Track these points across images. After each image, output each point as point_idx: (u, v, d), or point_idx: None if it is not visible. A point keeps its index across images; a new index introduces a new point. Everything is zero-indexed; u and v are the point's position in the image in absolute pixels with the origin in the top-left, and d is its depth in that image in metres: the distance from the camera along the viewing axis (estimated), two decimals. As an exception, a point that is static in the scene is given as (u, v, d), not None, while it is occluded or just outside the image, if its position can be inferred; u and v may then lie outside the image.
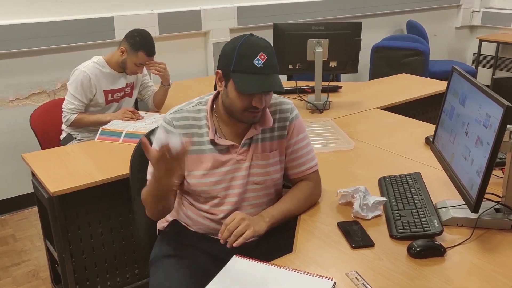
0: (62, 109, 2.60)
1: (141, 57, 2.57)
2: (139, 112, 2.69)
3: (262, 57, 1.42)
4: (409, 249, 1.36)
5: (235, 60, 1.43)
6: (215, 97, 1.59)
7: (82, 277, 2.11)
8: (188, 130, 1.55)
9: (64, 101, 2.60)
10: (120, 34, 3.46)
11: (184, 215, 1.66)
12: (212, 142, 1.55)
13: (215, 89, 2.16)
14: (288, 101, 1.65)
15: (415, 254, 1.34)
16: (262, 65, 1.42)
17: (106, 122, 2.53)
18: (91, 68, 2.58)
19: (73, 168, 2.09)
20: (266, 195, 1.63)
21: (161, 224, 1.73)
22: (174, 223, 1.69)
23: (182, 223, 1.67)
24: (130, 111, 2.58)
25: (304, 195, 1.63)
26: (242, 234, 1.43)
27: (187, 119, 1.56)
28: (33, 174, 2.13)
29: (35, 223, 3.14)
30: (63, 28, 3.25)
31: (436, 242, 1.36)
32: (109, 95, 2.67)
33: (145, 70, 2.80)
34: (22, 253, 2.85)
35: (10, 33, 3.06)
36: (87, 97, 2.59)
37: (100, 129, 2.44)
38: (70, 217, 2.01)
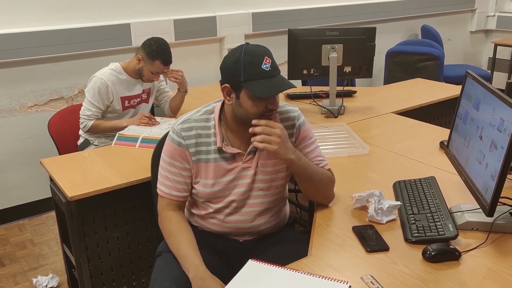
0: (80, 115, 2.64)
1: (158, 66, 2.60)
2: (155, 117, 2.73)
3: (268, 61, 1.46)
4: (424, 253, 1.36)
5: (243, 70, 1.46)
6: (222, 106, 1.61)
7: (99, 282, 2.13)
8: (197, 140, 1.58)
9: (82, 108, 2.65)
10: (136, 40, 3.52)
11: (196, 217, 1.71)
12: (219, 150, 1.58)
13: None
14: (294, 108, 1.67)
15: (430, 258, 1.34)
16: (270, 68, 1.46)
17: (123, 128, 2.57)
18: (108, 75, 2.62)
19: (90, 173, 2.12)
20: (270, 202, 1.65)
21: None
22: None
23: (191, 221, 1.72)
24: (146, 117, 2.62)
25: (327, 177, 1.65)
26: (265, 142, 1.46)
27: (195, 128, 1.59)
28: (51, 179, 2.17)
29: (53, 227, 3.19)
30: (81, 35, 3.31)
31: (451, 246, 1.36)
32: (126, 102, 2.71)
33: (161, 76, 2.84)
34: (40, 257, 2.89)
35: (29, 41, 3.13)
36: (104, 104, 2.63)
37: (117, 135, 2.48)
38: (87, 222, 2.04)
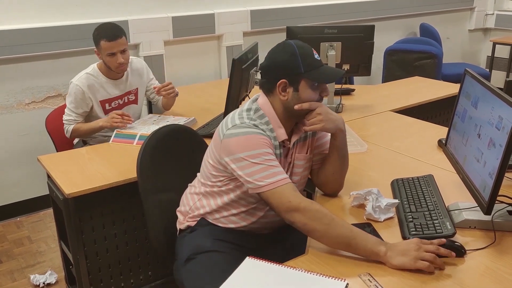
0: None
1: (105, 46, 2.42)
2: (154, 114, 2.72)
3: (316, 53, 1.56)
4: None
5: (302, 62, 1.52)
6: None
7: (96, 279, 2.13)
8: (271, 134, 1.56)
9: (64, 113, 2.58)
10: (134, 37, 3.51)
11: (221, 213, 1.64)
12: (281, 144, 1.59)
13: (228, 93, 2.18)
14: None
15: None
16: (320, 58, 1.58)
17: (99, 129, 2.53)
18: (83, 80, 2.51)
19: (87, 170, 2.11)
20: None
21: (184, 223, 1.72)
22: (202, 221, 1.67)
23: (210, 221, 1.66)
24: (119, 115, 2.48)
25: (348, 157, 1.72)
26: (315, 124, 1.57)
27: (262, 125, 1.56)
28: (49, 176, 2.17)
29: (50, 225, 3.19)
30: (78, 31, 3.30)
31: (456, 243, 1.35)
32: (107, 105, 2.61)
33: (151, 74, 2.79)
34: (38, 254, 2.88)
35: (26, 37, 3.12)
36: (83, 109, 2.55)
37: (114, 132, 2.47)
38: (85, 219, 2.03)
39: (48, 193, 2.23)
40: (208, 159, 1.63)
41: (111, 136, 2.45)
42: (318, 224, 1.39)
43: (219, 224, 1.65)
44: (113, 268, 2.16)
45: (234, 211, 1.63)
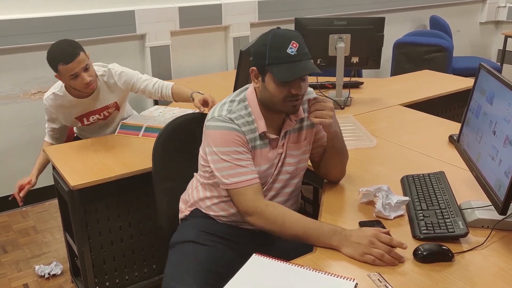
0: None
1: (65, 69, 2.13)
2: (160, 106, 2.67)
3: (294, 45, 1.45)
4: (415, 253, 1.32)
5: (268, 54, 1.46)
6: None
7: (101, 271, 2.12)
8: (248, 127, 1.56)
9: None
10: (141, 28, 3.48)
11: (211, 205, 1.66)
12: (261, 136, 1.58)
13: (235, 85, 2.16)
14: (311, 89, 1.68)
15: (421, 258, 1.30)
16: (296, 53, 1.45)
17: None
18: (51, 101, 2.31)
19: (93, 162, 2.09)
20: (291, 184, 1.68)
21: (183, 213, 1.76)
22: (195, 212, 1.71)
23: (204, 212, 1.68)
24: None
25: (346, 149, 1.72)
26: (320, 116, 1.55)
27: (242, 117, 1.56)
28: (54, 167, 2.15)
29: (55, 215, 3.18)
30: (85, 21, 3.27)
31: (444, 247, 1.31)
32: (84, 119, 2.41)
33: (131, 78, 2.41)
34: (43, 245, 2.88)
35: (33, 27, 3.09)
36: (56, 125, 2.42)
37: (120, 123, 2.45)
38: (90, 211, 2.02)
39: (54, 183, 2.21)
40: (200, 149, 1.67)
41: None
42: (272, 226, 1.46)
43: (211, 213, 1.67)
44: (118, 260, 2.15)
45: (225, 199, 1.63)
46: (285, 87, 1.48)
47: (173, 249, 1.63)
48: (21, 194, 2.34)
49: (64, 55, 2.11)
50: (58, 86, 2.30)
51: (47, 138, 2.49)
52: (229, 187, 1.51)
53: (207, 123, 1.56)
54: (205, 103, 2.21)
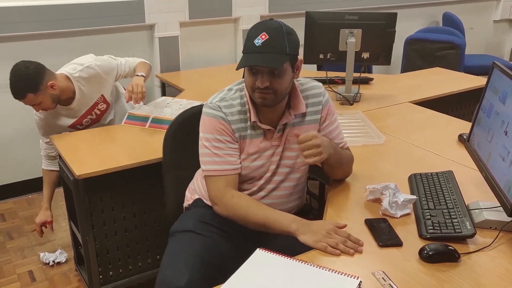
0: None
1: (25, 102, 2.20)
2: (167, 97, 2.67)
3: (263, 36, 1.44)
4: (420, 252, 1.30)
5: (244, 43, 1.50)
6: None
7: (105, 260, 2.12)
8: (239, 116, 1.58)
9: None
10: (150, 18, 3.46)
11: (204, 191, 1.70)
12: (254, 126, 1.58)
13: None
14: (318, 85, 1.67)
15: (427, 258, 1.28)
16: (260, 44, 1.44)
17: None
18: (40, 115, 2.38)
19: (98, 151, 2.09)
20: (292, 179, 1.67)
21: (187, 202, 1.78)
22: (197, 202, 1.72)
23: (205, 201, 1.70)
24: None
25: (348, 157, 1.71)
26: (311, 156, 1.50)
27: (234, 106, 1.59)
28: (60, 156, 2.15)
29: (61, 203, 3.17)
30: (93, 10, 3.25)
31: (450, 247, 1.29)
32: (78, 126, 2.46)
33: (111, 69, 2.42)
34: (48, 232, 2.88)
35: (41, 14, 3.08)
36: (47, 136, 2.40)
37: (127, 114, 2.44)
38: (95, 201, 2.01)
39: (59, 172, 2.21)
40: None
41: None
42: (236, 216, 1.53)
43: (207, 202, 1.68)
44: (122, 250, 2.15)
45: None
46: (253, 77, 1.49)
47: (172, 238, 1.64)
48: (46, 229, 2.60)
49: (13, 92, 2.16)
50: None
51: (44, 166, 2.54)
52: (204, 173, 1.59)
53: (203, 108, 1.62)
54: (129, 92, 2.31)
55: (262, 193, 1.65)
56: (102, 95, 2.44)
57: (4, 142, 3.20)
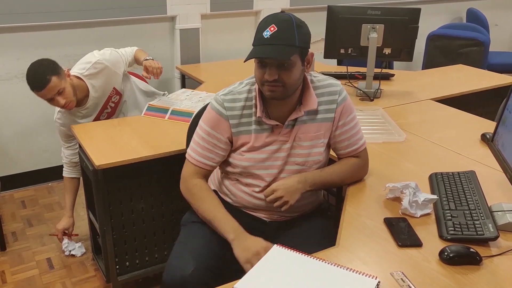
0: None
1: (39, 95, 2.20)
2: (187, 89, 2.66)
3: (272, 28, 1.43)
4: (441, 254, 1.28)
5: (254, 36, 1.48)
6: None
7: (122, 251, 2.14)
8: (241, 111, 1.58)
9: None
10: (172, 10, 3.46)
11: (226, 188, 1.71)
12: (259, 121, 1.57)
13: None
14: (336, 83, 1.64)
15: (447, 259, 1.26)
16: (269, 36, 1.42)
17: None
18: (61, 121, 2.43)
19: (118, 142, 2.10)
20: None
21: None
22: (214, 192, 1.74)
23: (220, 194, 1.72)
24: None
25: (352, 170, 1.67)
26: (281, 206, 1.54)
27: (239, 101, 1.58)
28: (80, 146, 2.16)
29: (80, 192, 3.20)
30: (115, 1, 3.26)
31: (471, 249, 1.27)
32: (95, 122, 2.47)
33: (120, 61, 2.48)
34: (66, 221, 2.92)
35: (62, 5, 3.10)
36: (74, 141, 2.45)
37: (147, 105, 2.45)
38: (113, 191, 2.03)
39: (79, 161, 2.23)
40: None
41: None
42: (190, 202, 1.63)
43: (225, 199, 1.70)
44: (139, 241, 2.16)
45: (238, 185, 1.66)
46: (262, 70, 1.47)
47: (183, 228, 1.69)
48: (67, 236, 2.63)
49: (35, 82, 2.16)
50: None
51: (66, 173, 2.60)
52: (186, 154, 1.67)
53: None
54: (146, 70, 2.39)
55: (263, 184, 1.62)
56: (114, 88, 2.47)
57: (25, 130, 3.25)
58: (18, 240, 2.73)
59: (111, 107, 2.51)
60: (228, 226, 1.51)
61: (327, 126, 1.62)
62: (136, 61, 2.55)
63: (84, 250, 2.62)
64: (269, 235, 1.57)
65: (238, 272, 1.47)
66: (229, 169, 1.66)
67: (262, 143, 1.58)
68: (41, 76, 2.15)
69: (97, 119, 2.50)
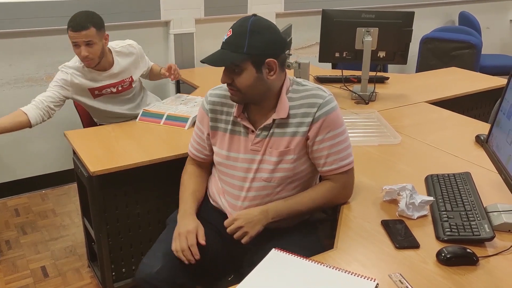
0: None
1: (70, 35, 2.27)
2: (182, 94, 2.66)
3: (229, 33, 1.45)
4: (438, 255, 1.28)
5: None
6: None
7: (118, 257, 2.12)
8: (221, 108, 1.60)
9: None
10: (166, 14, 3.46)
11: (209, 186, 1.75)
12: (234, 122, 1.57)
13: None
14: (322, 95, 1.50)
15: (444, 260, 1.26)
16: (224, 41, 1.45)
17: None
18: (68, 69, 2.41)
19: (113, 148, 2.09)
20: (269, 194, 1.57)
21: None
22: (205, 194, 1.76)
23: (208, 197, 1.74)
24: None
25: (323, 199, 1.55)
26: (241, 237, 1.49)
27: (223, 96, 1.60)
28: (74, 152, 2.15)
29: (74, 199, 3.20)
30: (110, 6, 3.26)
31: (468, 250, 1.27)
32: (96, 91, 2.47)
33: (145, 58, 2.64)
34: (61, 228, 2.90)
35: (58, 10, 3.10)
36: (60, 95, 2.41)
37: (142, 110, 2.44)
38: (108, 197, 2.02)
39: (73, 167, 2.22)
40: None
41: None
42: (181, 185, 1.72)
43: (214, 204, 1.71)
44: (135, 248, 2.15)
45: (219, 184, 1.68)
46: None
47: (167, 227, 1.71)
48: None
49: (75, 22, 2.25)
50: (73, 60, 2.44)
51: (25, 107, 2.35)
52: None
53: None
54: (169, 69, 2.55)
55: (239, 192, 1.60)
56: (131, 77, 2.56)
57: (18, 138, 3.23)
58: (12, 248, 2.70)
59: (118, 90, 2.53)
60: (182, 207, 1.62)
61: (299, 141, 1.51)
62: (152, 71, 2.74)
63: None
64: (239, 254, 1.58)
65: (225, 272, 1.60)
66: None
67: (235, 145, 1.57)
68: (84, 20, 2.25)
69: (99, 89, 2.47)
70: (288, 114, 1.50)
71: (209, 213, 1.68)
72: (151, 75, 2.77)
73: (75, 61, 2.43)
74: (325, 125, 1.49)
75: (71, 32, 2.26)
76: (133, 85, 2.60)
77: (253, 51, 1.42)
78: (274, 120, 1.51)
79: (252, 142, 1.55)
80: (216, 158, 1.64)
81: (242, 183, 1.58)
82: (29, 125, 2.29)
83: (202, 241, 1.52)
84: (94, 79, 2.45)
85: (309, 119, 1.49)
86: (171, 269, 1.51)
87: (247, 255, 1.55)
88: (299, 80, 1.58)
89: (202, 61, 1.45)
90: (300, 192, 1.57)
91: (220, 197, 1.66)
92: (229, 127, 1.58)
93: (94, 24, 2.27)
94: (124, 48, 2.54)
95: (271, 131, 1.53)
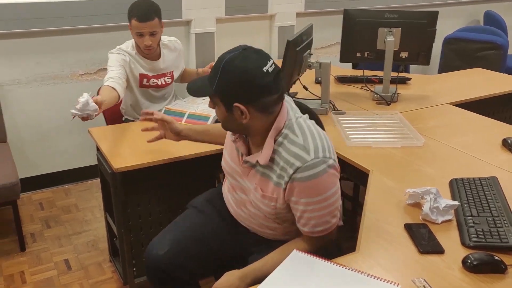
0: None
1: (135, 25, 2.36)
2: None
3: (212, 63, 1.50)
4: (464, 262, 1.26)
5: None
6: None
7: (139, 253, 2.15)
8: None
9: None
10: (187, 14, 3.48)
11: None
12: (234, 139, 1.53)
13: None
14: (304, 158, 1.34)
15: (471, 267, 1.24)
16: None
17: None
18: (121, 51, 2.49)
19: (136, 145, 2.11)
20: (261, 217, 1.53)
21: None
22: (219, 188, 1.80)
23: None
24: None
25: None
26: None
27: None
28: (98, 149, 2.18)
29: (97, 194, 3.25)
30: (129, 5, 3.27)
31: (496, 257, 1.25)
32: (145, 80, 2.55)
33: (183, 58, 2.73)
34: (84, 223, 2.95)
35: (83, 9, 3.14)
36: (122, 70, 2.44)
37: (163, 109, 2.46)
38: (131, 194, 2.04)
39: (97, 163, 2.25)
40: None
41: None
42: None
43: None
44: (156, 244, 2.17)
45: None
46: None
47: (185, 210, 1.77)
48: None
49: (141, 13, 2.35)
50: (126, 44, 2.52)
51: (108, 83, 2.32)
52: None
53: None
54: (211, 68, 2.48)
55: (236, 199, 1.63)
56: (172, 72, 2.65)
57: (43, 133, 3.28)
58: (36, 241, 2.76)
59: (162, 83, 2.61)
60: None
61: (280, 192, 1.40)
62: (185, 73, 2.80)
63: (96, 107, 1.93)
64: (246, 245, 1.60)
65: (231, 261, 1.60)
66: None
67: (234, 157, 1.53)
68: (150, 11, 2.37)
69: (147, 77, 2.55)
70: (272, 159, 1.39)
71: (217, 200, 1.73)
72: (182, 77, 2.81)
73: (127, 46, 2.51)
74: (299, 191, 1.36)
75: (136, 22, 2.35)
76: (172, 83, 2.69)
77: (219, 92, 1.35)
78: (257, 161, 1.43)
79: (241, 164, 1.50)
80: (223, 160, 1.65)
81: (241, 193, 1.58)
82: (118, 99, 2.31)
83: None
84: (143, 67, 2.54)
85: (286, 178, 1.36)
86: (179, 252, 1.57)
87: (255, 247, 1.57)
88: (298, 125, 1.41)
89: (187, 88, 1.44)
90: (271, 253, 1.44)
91: (226, 190, 1.69)
92: (234, 138, 1.53)
93: (157, 14, 2.40)
94: (171, 42, 2.64)
95: (256, 168, 1.45)
